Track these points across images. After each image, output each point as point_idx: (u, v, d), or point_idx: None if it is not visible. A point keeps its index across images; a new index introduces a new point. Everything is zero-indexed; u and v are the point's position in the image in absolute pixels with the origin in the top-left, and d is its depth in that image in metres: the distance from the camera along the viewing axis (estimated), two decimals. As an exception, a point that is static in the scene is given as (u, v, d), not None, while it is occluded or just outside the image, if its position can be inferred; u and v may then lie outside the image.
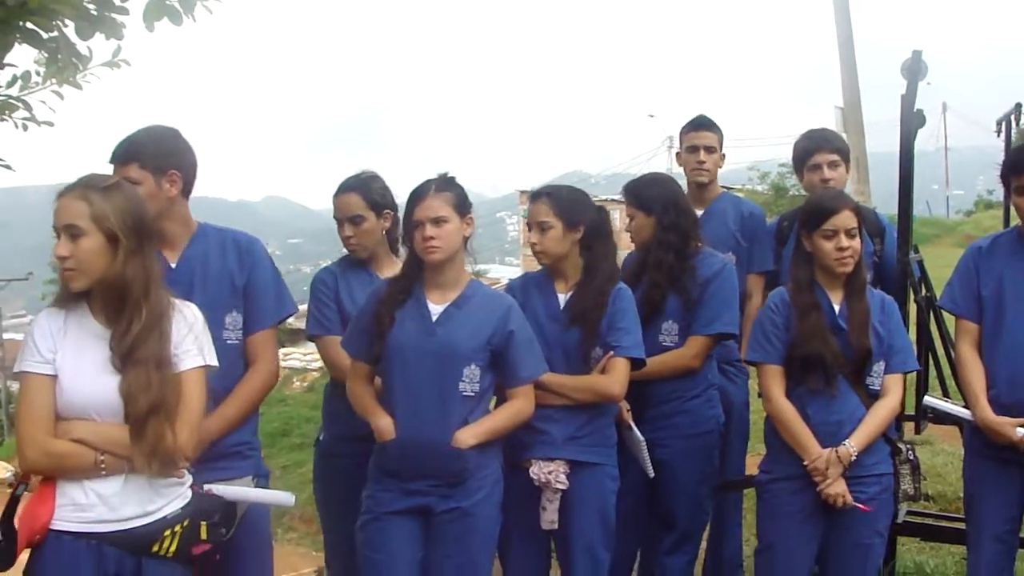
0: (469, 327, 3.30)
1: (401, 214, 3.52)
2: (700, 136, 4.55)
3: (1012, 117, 5.84)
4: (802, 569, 3.46)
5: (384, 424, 3.28)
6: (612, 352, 3.48)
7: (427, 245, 3.24)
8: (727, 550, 4.58)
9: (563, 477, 3.46)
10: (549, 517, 3.49)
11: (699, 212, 4.34)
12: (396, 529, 3.28)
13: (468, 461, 3.24)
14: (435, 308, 3.32)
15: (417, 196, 3.29)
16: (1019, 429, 3.38)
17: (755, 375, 3.77)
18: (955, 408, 3.72)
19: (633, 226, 3.96)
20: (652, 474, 3.78)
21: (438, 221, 3.24)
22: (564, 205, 3.58)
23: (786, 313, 3.47)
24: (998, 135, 5.92)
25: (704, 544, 4.52)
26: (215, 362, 2.81)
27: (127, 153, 3.02)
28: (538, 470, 3.48)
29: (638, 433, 3.75)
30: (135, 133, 3.09)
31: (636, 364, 3.52)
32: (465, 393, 3.25)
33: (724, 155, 4.63)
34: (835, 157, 4.40)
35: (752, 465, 4.26)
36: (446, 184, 3.38)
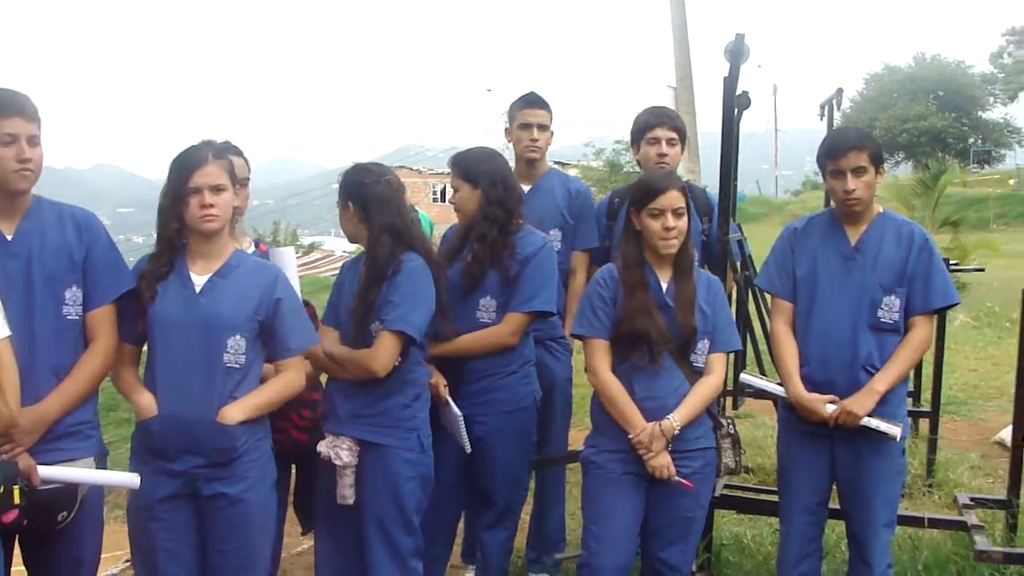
0: (234, 297, 3.43)
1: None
2: (533, 114, 4.82)
3: (834, 101, 6.44)
4: (627, 542, 3.76)
5: (145, 401, 3.39)
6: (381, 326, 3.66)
7: (207, 213, 3.36)
8: (550, 524, 4.93)
9: (343, 454, 3.67)
10: (340, 492, 3.71)
11: (526, 188, 4.63)
12: (165, 521, 3.40)
13: (236, 439, 3.38)
14: (198, 279, 3.44)
15: (194, 163, 3.38)
16: (829, 406, 3.80)
17: (580, 350, 4.06)
18: (770, 385, 4.11)
19: (458, 198, 4.18)
20: (469, 449, 4.06)
21: (217, 189, 3.37)
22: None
23: (614, 289, 3.76)
24: (821, 118, 6.51)
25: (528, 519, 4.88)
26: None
27: None
28: (324, 444, 3.72)
29: (455, 409, 4.01)
30: None
31: (407, 340, 3.66)
32: (230, 365, 3.38)
33: (553, 132, 4.90)
34: (674, 135, 4.77)
35: (575, 440, 4.62)
36: (224, 150, 3.54)
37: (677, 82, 15.93)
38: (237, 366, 3.39)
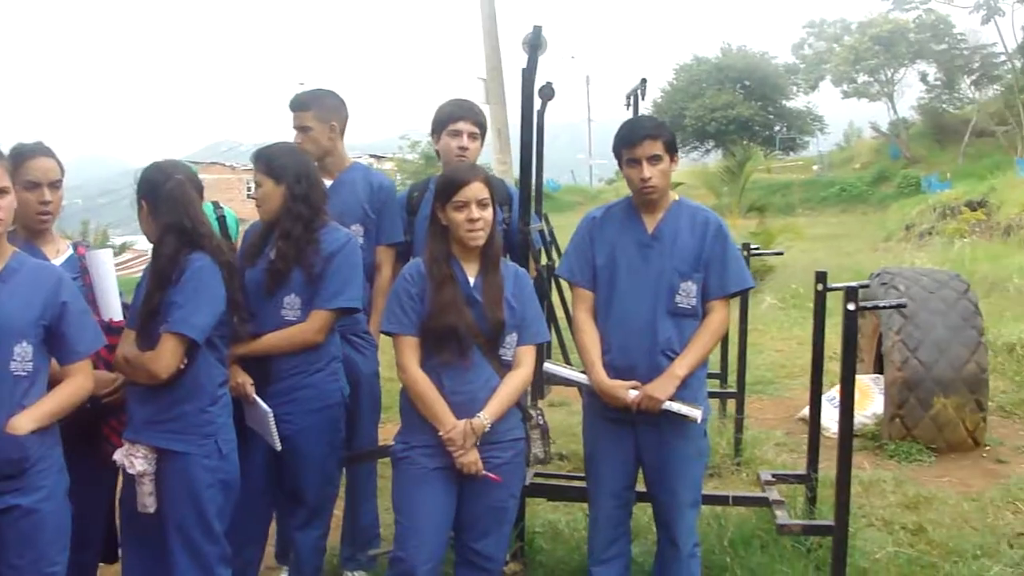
0: (17, 302, 3.32)
1: None
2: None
3: (639, 91, 6.62)
4: (439, 536, 3.79)
5: None
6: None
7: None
8: (363, 520, 4.94)
9: (137, 462, 3.60)
10: (140, 501, 3.65)
11: (328, 183, 4.59)
12: None
13: (27, 449, 3.28)
14: None
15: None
16: (631, 391, 3.91)
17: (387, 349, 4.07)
18: (573, 373, 4.21)
19: (260, 194, 4.13)
20: (279, 447, 4.02)
21: (1, 192, 3.27)
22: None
23: (421, 285, 3.77)
24: (627, 108, 6.68)
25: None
26: None
27: None
28: (119, 452, 3.65)
29: (264, 406, 3.96)
30: None
31: (191, 343, 3.59)
32: (17, 373, 3.29)
33: (334, 125, 4.80)
34: (476, 129, 4.83)
35: (386, 435, 4.63)
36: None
37: (487, 73, 16.10)
38: (24, 374, 3.28)
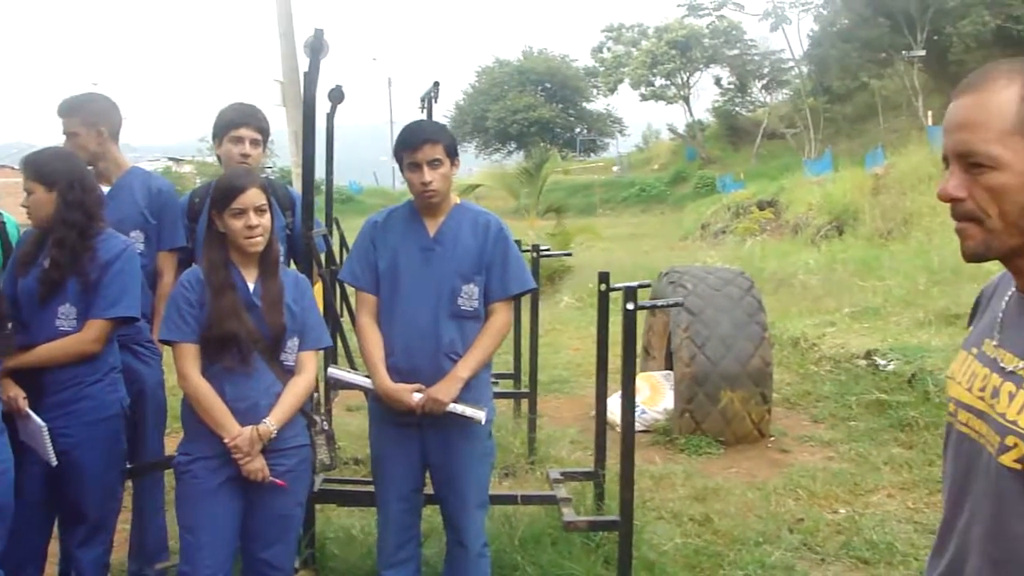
0: None
1: None
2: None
3: (432, 94, 6.67)
4: (225, 547, 3.73)
5: None
6: None
7: None
8: (150, 535, 4.81)
9: None
10: None
11: (105, 189, 4.46)
12: None
13: None
14: None
15: None
16: (416, 394, 3.93)
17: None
18: (357, 378, 4.19)
19: (31, 201, 3.98)
20: (55, 462, 3.88)
21: None
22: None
23: (200, 291, 3.70)
24: (421, 111, 6.72)
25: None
26: None
27: None
28: None
29: (38, 420, 3.82)
30: None
31: None
32: None
33: (102, 131, 4.65)
34: (258, 136, 4.75)
35: (172, 446, 4.52)
36: None
37: (284, 76, 15.87)
38: None
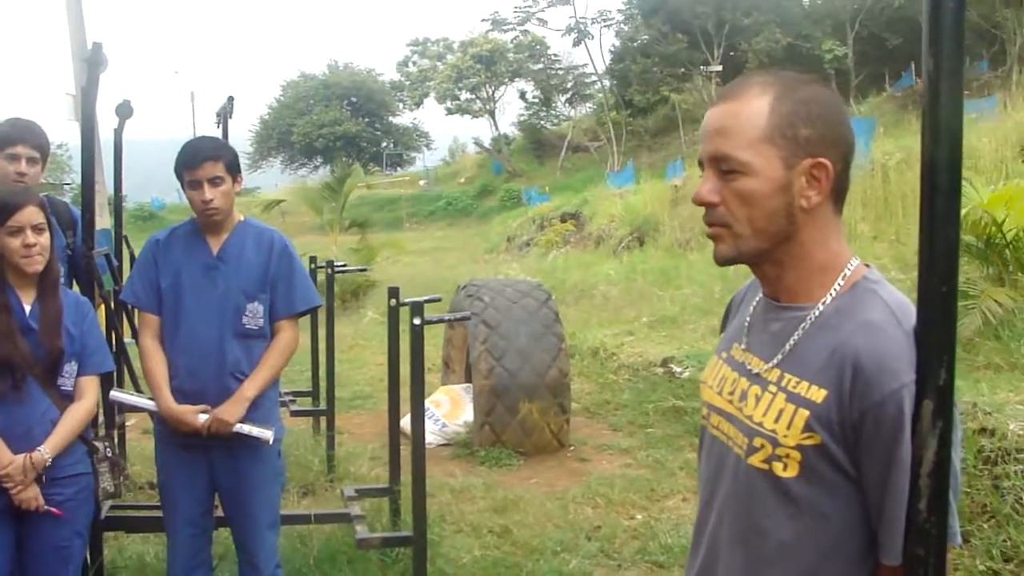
0: None
1: None
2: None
3: (227, 109, 6.56)
4: None
5: None
6: None
7: None
8: None
9: None
10: None
11: None
12: None
13: None
14: None
15: None
16: (201, 415, 3.88)
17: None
18: (141, 400, 4.14)
19: None
20: None
21: None
22: None
23: None
24: (217, 126, 6.60)
25: None
26: None
27: None
28: None
29: None
30: None
31: None
32: None
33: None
34: (35, 153, 4.54)
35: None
36: None
37: (76, 89, 15.37)
38: None
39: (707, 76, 39.85)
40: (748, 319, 1.88)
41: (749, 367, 1.81)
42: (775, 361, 1.76)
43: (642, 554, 5.58)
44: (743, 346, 1.86)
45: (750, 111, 1.72)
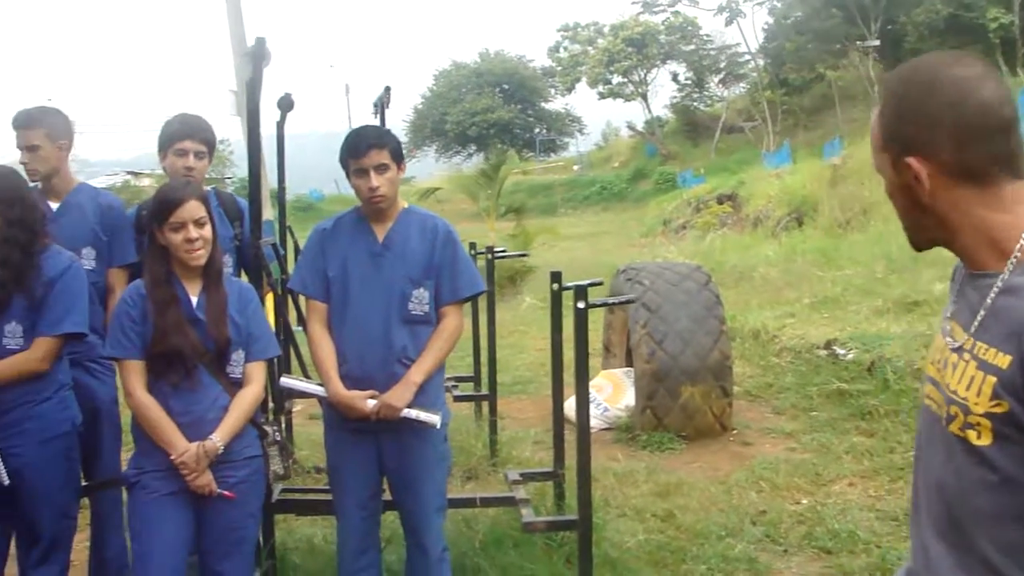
0: None
1: None
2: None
3: (383, 100, 6.67)
4: (175, 560, 3.70)
5: None
6: None
7: None
8: (109, 552, 4.76)
9: None
10: None
11: (54, 206, 4.47)
12: None
13: None
14: None
15: None
16: (370, 401, 3.92)
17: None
18: (310, 386, 4.18)
19: None
20: (7, 482, 3.84)
21: None
22: None
23: (142, 307, 3.68)
24: (374, 116, 6.71)
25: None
26: None
27: None
28: None
29: None
30: None
31: None
32: None
33: (63, 144, 4.62)
34: (203, 148, 4.69)
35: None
36: None
37: (238, 85, 15.80)
38: None
39: (864, 51, 38.47)
40: (956, 289, 1.88)
41: (952, 335, 1.81)
42: (972, 329, 1.74)
43: (808, 540, 5.47)
44: (949, 314, 1.86)
45: (873, 120, 1.86)
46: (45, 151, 4.50)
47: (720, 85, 54.31)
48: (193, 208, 3.66)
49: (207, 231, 3.71)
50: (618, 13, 64.63)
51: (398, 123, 61.90)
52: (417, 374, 3.96)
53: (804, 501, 6.12)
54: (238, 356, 3.78)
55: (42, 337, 3.88)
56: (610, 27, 54.61)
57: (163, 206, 3.67)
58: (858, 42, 38.50)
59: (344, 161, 4.05)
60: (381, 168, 3.96)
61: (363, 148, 3.95)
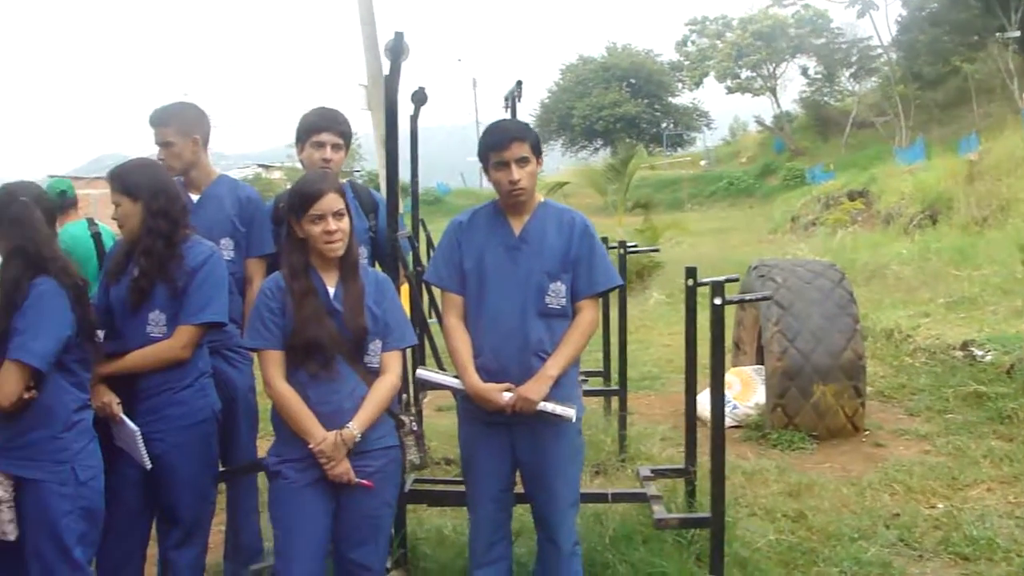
0: None
1: None
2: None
3: (515, 94, 6.69)
4: (316, 548, 3.77)
5: None
6: None
7: None
8: (245, 536, 4.87)
9: None
10: (0, 529, 3.59)
11: (195, 197, 4.57)
12: None
13: None
14: None
15: None
16: (505, 394, 3.92)
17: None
18: (446, 379, 4.17)
19: (120, 214, 4.05)
20: (149, 466, 3.95)
21: None
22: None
23: (281, 299, 3.74)
24: (505, 110, 6.74)
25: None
26: None
27: None
28: None
29: (131, 424, 3.90)
30: None
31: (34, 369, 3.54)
32: None
33: (196, 139, 4.70)
34: (339, 140, 4.76)
35: (264, 449, 4.59)
36: None
37: (368, 79, 15.95)
38: None
39: (1003, 43, 37.08)
40: None
41: None
42: None
43: (945, 545, 5.32)
44: None
45: None
46: (178, 147, 4.60)
47: (851, 79, 53.03)
48: (332, 200, 3.71)
49: (345, 223, 3.75)
50: (747, 6, 63.70)
51: (525, 118, 61.72)
52: (553, 367, 3.95)
53: (940, 505, 5.95)
54: (375, 346, 3.81)
55: (184, 325, 3.98)
56: (739, 21, 53.88)
57: (303, 198, 3.73)
58: (997, 33, 37.11)
59: (484, 154, 4.05)
60: (522, 161, 3.96)
61: (505, 141, 3.96)
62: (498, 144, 3.97)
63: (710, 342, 4.39)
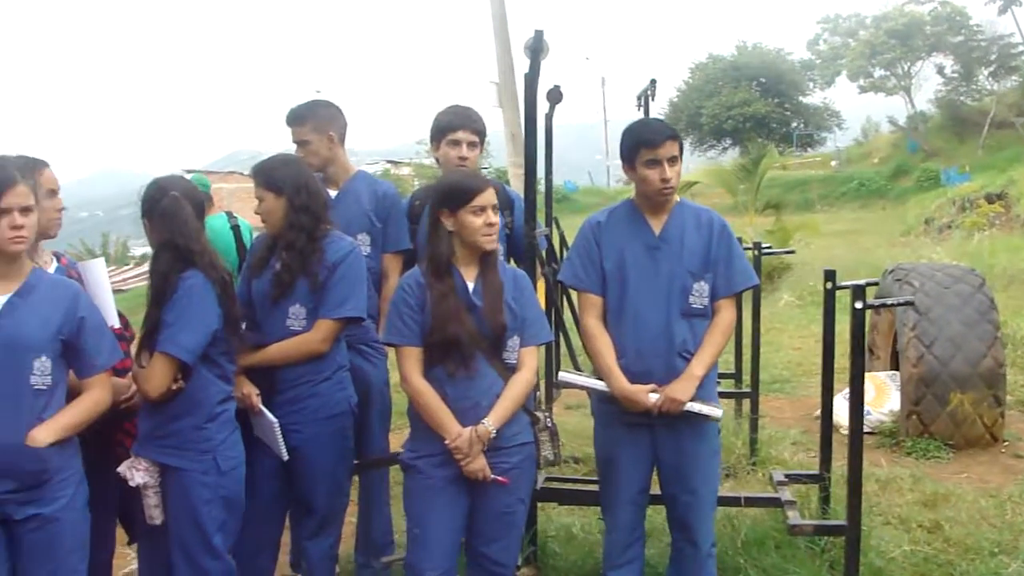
0: (36, 317, 3.35)
1: None
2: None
3: (648, 92, 6.65)
4: (450, 543, 3.80)
5: None
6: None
7: (16, 235, 3.29)
8: (376, 528, 4.91)
9: (137, 475, 3.66)
10: (147, 513, 3.71)
11: (333, 193, 4.62)
12: None
13: (47, 461, 3.33)
14: None
15: (3, 184, 3.28)
16: (652, 395, 3.90)
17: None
18: (589, 380, 4.14)
19: (263, 208, 4.13)
20: (286, 457, 4.04)
21: (26, 210, 3.31)
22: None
23: (420, 295, 3.75)
24: (638, 109, 6.71)
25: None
26: None
27: None
28: (124, 464, 3.70)
29: (270, 416, 3.99)
30: None
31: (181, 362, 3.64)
32: (37, 387, 3.33)
33: (332, 136, 4.77)
34: (475, 138, 4.80)
35: (396, 443, 4.63)
36: (29, 167, 3.49)
37: (499, 77, 16.03)
38: (44, 387, 3.33)
39: None
40: None
41: None
42: None
43: (1091, 563, 5.08)
44: None
45: None
46: (314, 145, 4.68)
47: (990, 78, 51.20)
48: (491, 195, 3.74)
49: (498, 218, 3.78)
50: (881, 4, 61.89)
51: (653, 116, 61.50)
52: (699, 367, 3.93)
53: (1086, 521, 5.69)
54: (513, 342, 3.80)
55: (323, 320, 4.04)
56: (872, 18, 52.53)
57: (463, 192, 3.73)
58: None
59: (634, 152, 4.00)
60: (673, 160, 3.95)
61: (660, 139, 3.94)
62: (652, 141, 3.95)
63: (850, 347, 4.28)
